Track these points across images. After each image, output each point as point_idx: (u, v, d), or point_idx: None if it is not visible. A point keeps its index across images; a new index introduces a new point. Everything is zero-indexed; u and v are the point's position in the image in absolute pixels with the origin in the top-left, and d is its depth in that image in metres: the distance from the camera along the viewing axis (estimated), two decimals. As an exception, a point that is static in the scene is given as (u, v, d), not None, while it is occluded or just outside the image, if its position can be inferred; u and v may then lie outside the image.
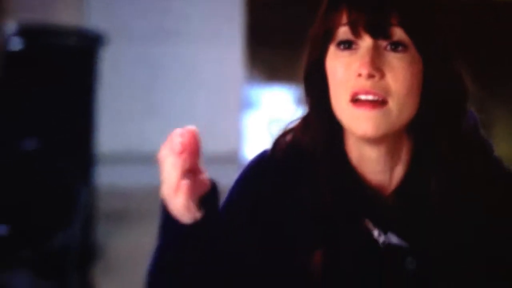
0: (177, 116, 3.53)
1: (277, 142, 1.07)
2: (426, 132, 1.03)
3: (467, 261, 1.04)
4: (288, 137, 1.07)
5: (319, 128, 1.04)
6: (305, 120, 1.06)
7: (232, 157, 3.52)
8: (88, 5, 3.39)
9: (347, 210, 1.04)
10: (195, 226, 1.00)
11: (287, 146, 1.06)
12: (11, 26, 2.58)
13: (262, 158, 1.08)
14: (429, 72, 1.02)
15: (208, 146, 3.50)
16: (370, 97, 0.99)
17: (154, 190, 3.71)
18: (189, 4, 3.50)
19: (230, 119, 3.62)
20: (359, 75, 0.99)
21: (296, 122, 1.07)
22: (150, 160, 3.67)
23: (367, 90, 0.99)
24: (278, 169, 1.06)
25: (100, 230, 3.02)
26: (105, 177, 3.11)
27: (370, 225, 1.04)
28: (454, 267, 1.04)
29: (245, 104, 3.79)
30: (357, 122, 1.00)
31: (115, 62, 3.19)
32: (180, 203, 0.98)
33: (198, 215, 0.99)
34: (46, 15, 3.11)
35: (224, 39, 3.58)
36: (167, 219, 1.03)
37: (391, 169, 1.05)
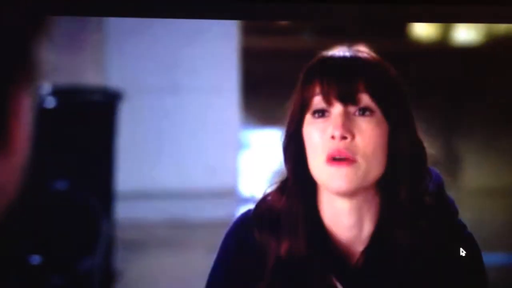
0: (184, 157, 3.58)
1: (259, 205, 1.06)
2: (391, 190, 1.02)
3: None
4: (268, 199, 1.06)
5: (296, 191, 1.03)
6: (282, 185, 1.05)
7: (230, 192, 3.48)
8: (108, 66, 3.50)
9: (317, 268, 1.00)
10: None
11: (268, 208, 1.05)
12: (46, 87, 2.67)
13: (246, 216, 1.07)
14: (394, 134, 1.01)
15: (209, 183, 3.69)
16: (343, 156, 0.99)
17: (164, 221, 3.90)
18: (193, 61, 3.59)
19: (228, 159, 3.64)
20: (333, 137, 0.99)
21: (273, 187, 1.07)
22: (161, 196, 3.88)
23: (340, 151, 0.99)
24: (258, 227, 1.04)
25: (119, 258, 3.06)
26: (124, 211, 3.16)
27: (338, 284, 1.01)
28: None
29: (242, 145, 3.80)
30: (332, 179, 0.99)
31: (131, 113, 3.29)
32: None
33: None
34: (73, 76, 3.22)
35: (224, 89, 3.64)
36: None
37: (361, 223, 1.02)
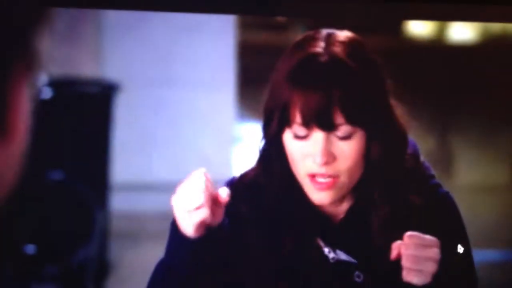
0: (179, 150, 3.57)
1: (243, 176, 1.09)
2: (372, 167, 1.03)
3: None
4: (251, 174, 1.08)
5: (278, 176, 1.04)
6: (265, 165, 1.06)
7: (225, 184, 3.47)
8: (104, 59, 3.48)
9: (302, 229, 1.03)
10: (198, 241, 1.02)
11: (251, 180, 1.07)
12: (43, 78, 2.63)
13: (232, 182, 1.10)
14: (373, 140, 1.02)
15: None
16: (325, 179, 1.01)
17: (158, 214, 3.91)
18: (189, 54, 3.58)
19: (223, 152, 3.64)
20: (314, 162, 1.00)
21: (255, 164, 1.08)
22: (156, 188, 3.89)
23: (322, 173, 1.00)
24: (247, 189, 1.07)
25: (114, 249, 3.07)
26: (118, 202, 3.16)
27: (321, 243, 1.03)
28: (399, 279, 1.02)
29: (236, 139, 3.80)
30: (314, 195, 1.01)
31: (127, 105, 3.26)
32: (197, 219, 1.00)
33: (201, 232, 1.01)
34: (70, 68, 3.20)
35: (219, 83, 3.64)
36: (176, 235, 1.07)
37: (341, 201, 1.05)
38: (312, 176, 1.02)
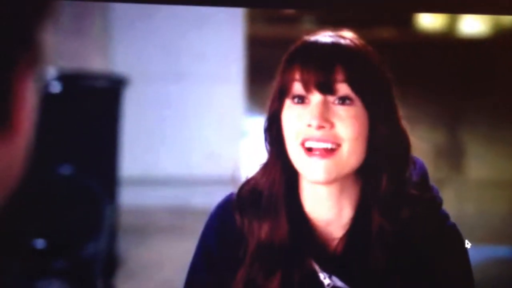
0: (187, 144, 3.58)
1: (242, 187, 1.06)
2: (372, 177, 1.01)
3: None
4: (251, 182, 1.06)
5: (276, 173, 1.02)
6: (264, 167, 1.05)
7: (233, 179, 3.43)
8: (113, 53, 3.49)
9: (296, 251, 1.00)
10: None
11: (250, 190, 1.05)
12: (51, 72, 2.66)
13: (229, 200, 1.07)
14: (374, 122, 1.00)
15: (212, 170, 3.69)
16: (321, 145, 0.98)
17: (167, 208, 3.91)
18: (197, 48, 3.58)
19: (232, 146, 3.63)
20: (310, 125, 0.98)
21: (256, 171, 1.06)
22: (164, 182, 3.88)
23: (317, 138, 0.98)
24: (240, 209, 1.04)
25: (122, 243, 3.08)
26: (127, 197, 3.18)
27: (316, 267, 1.00)
28: None
29: (245, 133, 3.79)
30: (310, 169, 0.98)
31: (136, 99, 3.28)
32: None
33: None
34: (79, 62, 3.21)
35: (227, 76, 3.64)
36: None
37: (340, 208, 1.01)
38: (308, 149, 0.99)
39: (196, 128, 3.59)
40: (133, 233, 3.22)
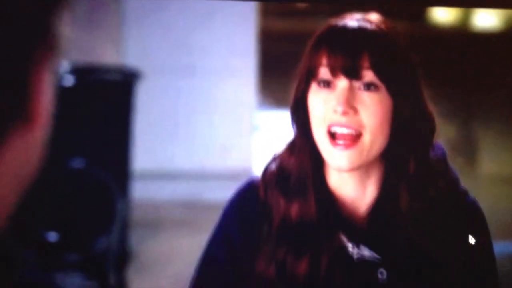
0: (199, 138, 3.58)
1: (269, 166, 1.06)
2: (397, 158, 1.02)
3: (433, 272, 1.03)
4: (279, 161, 1.06)
5: (305, 155, 1.04)
6: (291, 146, 1.05)
7: (245, 173, 3.31)
8: (125, 46, 3.48)
9: (324, 226, 1.02)
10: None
11: (278, 168, 1.05)
12: (64, 65, 2.67)
13: (249, 186, 1.07)
14: (399, 108, 1.01)
15: (224, 164, 3.68)
16: (345, 130, 0.99)
17: (179, 202, 3.90)
18: (209, 42, 3.57)
19: (243, 140, 3.65)
20: (335, 111, 0.99)
21: (282, 149, 1.06)
22: (176, 177, 3.87)
23: (342, 124, 0.99)
24: (267, 186, 1.04)
25: (134, 237, 3.08)
26: (139, 190, 3.18)
27: (344, 239, 1.02)
28: (422, 278, 1.02)
29: (257, 127, 3.82)
30: (333, 158, 0.99)
31: (148, 93, 3.28)
32: None
33: None
34: (92, 55, 3.21)
35: (239, 70, 3.63)
36: None
37: (365, 188, 1.04)
38: (331, 134, 1.00)
39: (208, 122, 3.59)
40: (145, 227, 3.23)
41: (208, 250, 1.07)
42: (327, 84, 1.01)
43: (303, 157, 1.04)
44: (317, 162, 1.04)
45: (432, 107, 1.04)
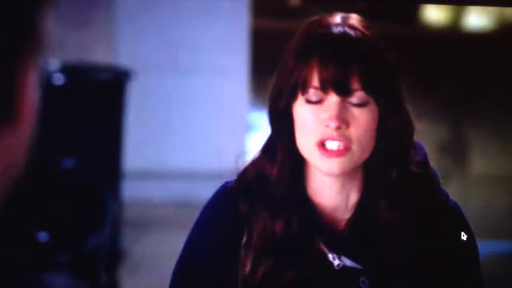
0: (191, 138, 3.57)
1: (245, 173, 1.05)
2: (378, 165, 1.03)
3: (414, 279, 1.02)
4: (253, 168, 1.05)
5: (287, 162, 1.02)
6: (270, 152, 1.04)
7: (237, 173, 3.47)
8: (117, 45, 3.48)
9: (304, 235, 1.02)
10: None
11: (254, 176, 1.04)
12: (53, 64, 2.66)
13: (226, 187, 1.06)
14: (385, 119, 1.02)
15: (217, 163, 3.68)
16: (336, 144, 0.99)
17: (171, 202, 3.91)
18: (202, 40, 3.57)
19: (236, 140, 3.63)
20: (327, 126, 0.99)
21: (258, 154, 1.05)
22: (168, 176, 3.87)
23: (334, 137, 0.98)
24: (246, 193, 1.03)
25: (126, 236, 3.07)
26: (130, 190, 3.17)
27: (325, 249, 1.02)
28: (405, 285, 1.02)
29: (249, 127, 3.81)
30: (324, 163, 0.99)
31: (140, 92, 3.26)
32: None
33: None
34: (82, 54, 3.21)
35: (232, 69, 3.62)
36: None
37: (346, 194, 1.04)
38: (322, 145, 1.00)
39: (201, 121, 3.59)
40: (136, 226, 3.23)
41: (183, 259, 1.07)
42: (317, 99, 1.00)
43: (286, 165, 1.02)
44: (298, 170, 1.04)
45: (409, 108, 1.04)
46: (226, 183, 1.07)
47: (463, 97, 4.40)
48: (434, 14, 4.73)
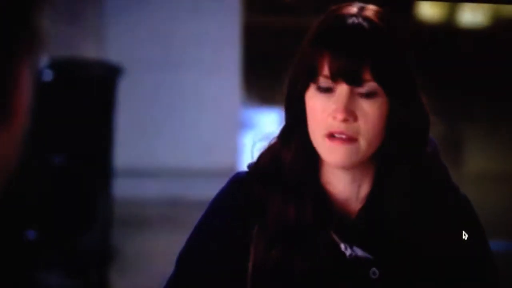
0: (182, 135, 3.56)
1: (261, 158, 1.05)
2: (389, 157, 1.04)
3: (425, 271, 1.04)
4: (270, 154, 1.05)
5: (301, 150, 1.04)
6: (286, 140, 1.05)
7: (229, 171, 3.43)
8: (107, 40, 3.47)
9: (316, 223, 1.03)
10: None
11: (270, 162, 1.05)
12: (44, 60, 2.61)
13: (238, 177, 1.06)
14: (395, 110, 1.02)
15: (208, 162, 3.69)
16: (343, 136, 1.00)
17: (162, 199, 3.91)
18: (193, 37, 3.56)
19: (228, 138, 3.64)
20: (334, 117, 1.00)
21: (274, 141, 1.06)
22: (159, 174, 3.87)
23: (341, 130, 1.00)
24: (261, 177, 1.04)
25: (117, 234, 3.06)
26: (122, 188, 3.16)
27: (337, 239, 1.03)
28: (415, 276, 1.03)
29: (242, 125, 3.82)
30: (331, 154, 1.01)
31: (131, 88, 3.25)
32: None
33: None
34: (72, 49, 3.19)
35: (223, 66, 3.62)
36: None
37: (358, 186, 1.05)
38: (330, 136, 1.00)
39: (192, 118, 3.58)
40: (128, 224, 3.23)
41: (193, 244, 1.07)
42: (327, 88, 1.01)
43: (300, 152, 1.04)
44: (312, 159, 1.05)
45: (425, 100, 1.05)
46: (238, 173, 1.08)
47: (460, 95, 4.41)
48: (430, 11, 4.73)
